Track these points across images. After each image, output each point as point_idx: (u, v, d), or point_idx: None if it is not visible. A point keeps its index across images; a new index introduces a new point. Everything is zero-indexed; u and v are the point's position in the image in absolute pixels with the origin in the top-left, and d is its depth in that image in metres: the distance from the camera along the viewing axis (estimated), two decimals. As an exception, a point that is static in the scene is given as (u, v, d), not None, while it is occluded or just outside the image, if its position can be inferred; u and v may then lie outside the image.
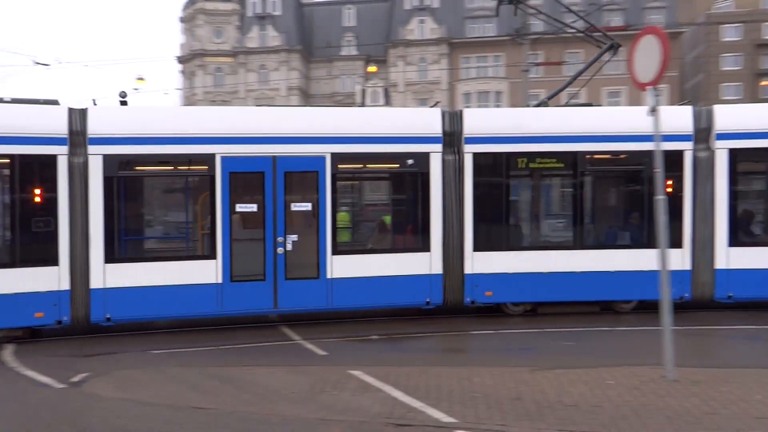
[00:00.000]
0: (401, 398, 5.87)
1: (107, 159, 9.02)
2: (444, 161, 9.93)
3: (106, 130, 9.09)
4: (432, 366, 7.37)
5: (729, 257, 9.79)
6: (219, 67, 54.12)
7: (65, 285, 8.90)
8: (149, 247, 10.29)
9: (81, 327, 9.27)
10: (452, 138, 9.98)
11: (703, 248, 9.88)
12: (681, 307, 8.95)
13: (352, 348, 9.02)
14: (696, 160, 9.81)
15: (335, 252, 9.78)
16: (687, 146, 9.80)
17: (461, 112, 10.30)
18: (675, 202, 9.45)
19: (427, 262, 9.93)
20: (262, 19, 54.32)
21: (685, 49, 52.18)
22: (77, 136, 9.02)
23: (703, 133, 9.86)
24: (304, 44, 54.78)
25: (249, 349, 8.77)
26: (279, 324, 10.08)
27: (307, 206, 9.80)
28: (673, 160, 9.34)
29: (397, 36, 52.57)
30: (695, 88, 52.49)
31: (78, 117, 9.09)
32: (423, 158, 9.86)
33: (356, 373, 6.79)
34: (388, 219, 10.71)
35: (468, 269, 9.97)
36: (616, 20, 45.15)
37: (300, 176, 9.94)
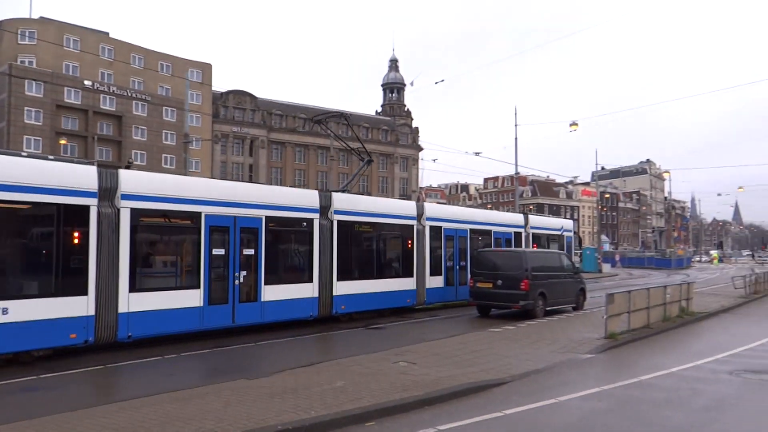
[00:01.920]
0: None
1: (133, 211, 11.67)
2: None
3: (134, 189, 11.77)
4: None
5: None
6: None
7: (92, 311, 10.90)
8: (159, 280, 12.64)
9: (103, 345, 11.46)
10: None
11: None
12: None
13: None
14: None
15: (266, 283, 14.15)
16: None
17: None
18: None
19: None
20: None
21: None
22: (106, 191, 11.34)
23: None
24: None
25: None
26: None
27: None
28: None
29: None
30: (-1, 135, 52.81)
31: (108, 176, 11.41)
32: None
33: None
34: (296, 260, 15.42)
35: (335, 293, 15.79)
36: None
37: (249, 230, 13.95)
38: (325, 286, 15.61)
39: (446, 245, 20.33)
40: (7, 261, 10.23)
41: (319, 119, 19.44)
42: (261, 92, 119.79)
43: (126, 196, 11.58)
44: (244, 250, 13.69)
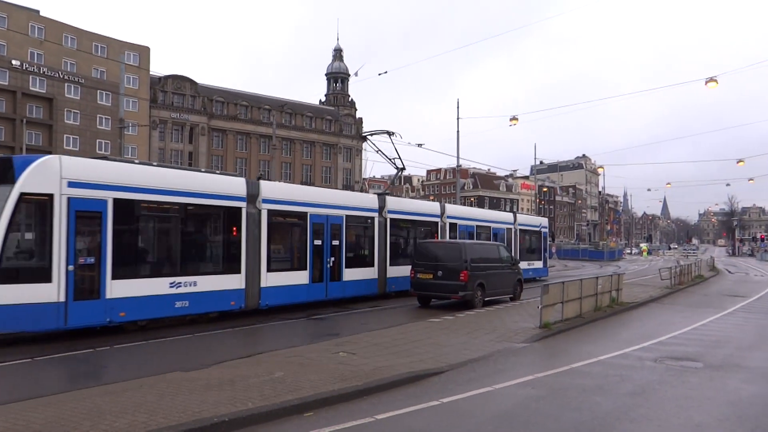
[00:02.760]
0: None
1: (269, 212, 15.71)
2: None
3: (269, 195, 15.79)
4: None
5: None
6: None
7: (243, 285, 14.82)
8: (281, 263, 16.45)
9: (249, 311, 15.05)
10: None
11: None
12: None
13: None
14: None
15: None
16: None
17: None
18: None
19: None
20: None
21: None
22: (252, 197, 15.28)
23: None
24: None
25: None
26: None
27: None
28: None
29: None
30: None
31: (252, 185, 15.41)
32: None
33: None
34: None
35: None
36: None
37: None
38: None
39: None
40: (195, 247, 14.21)
41: (365, 135, 22.90)
42: (202, 78, 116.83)
43: (265, 201, 15.60)
44: (332, 241, 17.93)
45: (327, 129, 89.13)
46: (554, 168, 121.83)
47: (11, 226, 10.67)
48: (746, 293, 25.85)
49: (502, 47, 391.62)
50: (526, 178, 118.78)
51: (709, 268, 41.60)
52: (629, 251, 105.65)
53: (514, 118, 32.46)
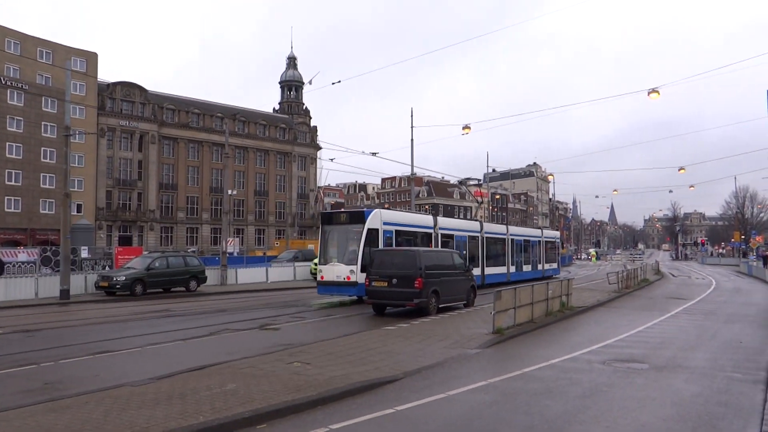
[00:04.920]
0: None
1: (441, 234, 26.69)
2: None
3: (439, 225, 26.84)
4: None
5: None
6: None
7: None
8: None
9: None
10: None
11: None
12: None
13: None
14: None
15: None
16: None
17: None
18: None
19: None
20: None
21: None
22: (433, 226, 26.18)
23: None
24: None
25: None
26: None
27: None
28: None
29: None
30: None
31: (434, 220, 26.71)
32: None
33: None
34: None
35: None
36: None
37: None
38: None
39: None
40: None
41: (462, 181, 34.39)
42: (152, 85, 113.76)
43: (440, 228, 26.66)
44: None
45: (281, 137, 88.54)
46: (506, 176, 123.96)
47: (365, 244, 21.05)
48: (689, 296, 26.82)
49: (468, 53, 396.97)
50: (479, 185, 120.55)
51: (654, 272, 43.02)
52: (578, 257, 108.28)
53: (466, 127, 32.85)
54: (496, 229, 33.63)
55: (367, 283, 18.07)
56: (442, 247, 25.61)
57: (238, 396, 7.69)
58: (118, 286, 24.16)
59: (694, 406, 7.99)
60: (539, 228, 44.62)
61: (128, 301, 22.78)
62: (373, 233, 21.50)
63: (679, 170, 44.50)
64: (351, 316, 17.96)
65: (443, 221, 27.72)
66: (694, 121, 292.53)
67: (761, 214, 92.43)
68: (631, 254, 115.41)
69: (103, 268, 29.40)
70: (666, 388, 9.03)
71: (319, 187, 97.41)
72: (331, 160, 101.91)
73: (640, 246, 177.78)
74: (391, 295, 17.56)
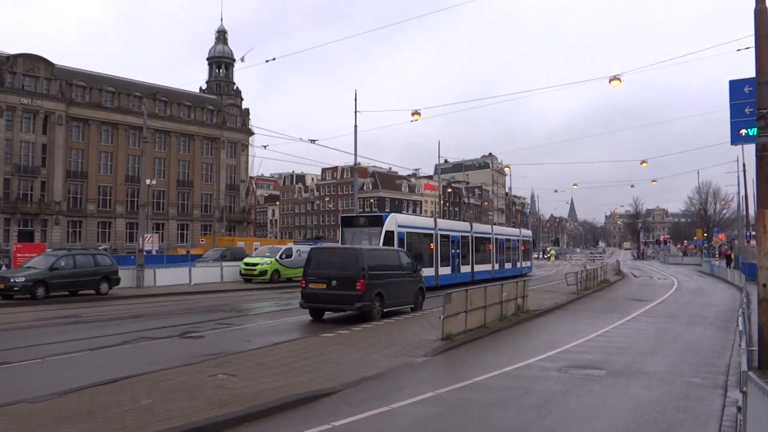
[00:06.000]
0: None
1: (440, 235, 32.28)
2: None
3: (439, 226, 32.72)
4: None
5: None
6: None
7: (433, 273, 31.53)
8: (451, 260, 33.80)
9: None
10: None
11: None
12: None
13: None
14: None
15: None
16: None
17: None
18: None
19: None
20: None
21: None
22: (435, 227, 32.09)
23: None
24: None
25: None
26: None
27: None
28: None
29: None
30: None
31: (435, 222, 32.60)
32: None
33: None
34: None
35: None
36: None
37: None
38: None
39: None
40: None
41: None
42: (60, 59, 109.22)
43: (439, 229, 31.98)
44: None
45: (208, 120, 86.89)
46: (459, 167, 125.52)
47: (383, 245, 24.88)
48: (650, 297, 27.87)
49: (426, 31, 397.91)
50: (430, 177, 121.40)
51: (614, 272, 44.52)
52: (536, 256, 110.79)
53: (416, 113, 33.02)
54: (483, 228, 39.92)
55: (303, 285, 17.91)
56: (441, 245, 31.89)
57: (153, 413, 7.53)
58: (16, 289, 23.21)
59: (651, 414, 8.32)
60: (517, 227, 56.29)
61: (28, 306, 21.95)
62: (389, 235, 26.96)
63: (641, 164, 46.14)
64: (285, 322, 17.83)
65: (442, 223, 33.74)
66: (660, 111, 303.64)
67: (723, 211, 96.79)
68: (591, 253, 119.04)
69: (0, 267, 28.21)
70: (623, 396, 9.38)
71: (251, 178, 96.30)
72: (265, 147, 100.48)
73: (601, 244, 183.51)
74: (330, 299, 17.47)
